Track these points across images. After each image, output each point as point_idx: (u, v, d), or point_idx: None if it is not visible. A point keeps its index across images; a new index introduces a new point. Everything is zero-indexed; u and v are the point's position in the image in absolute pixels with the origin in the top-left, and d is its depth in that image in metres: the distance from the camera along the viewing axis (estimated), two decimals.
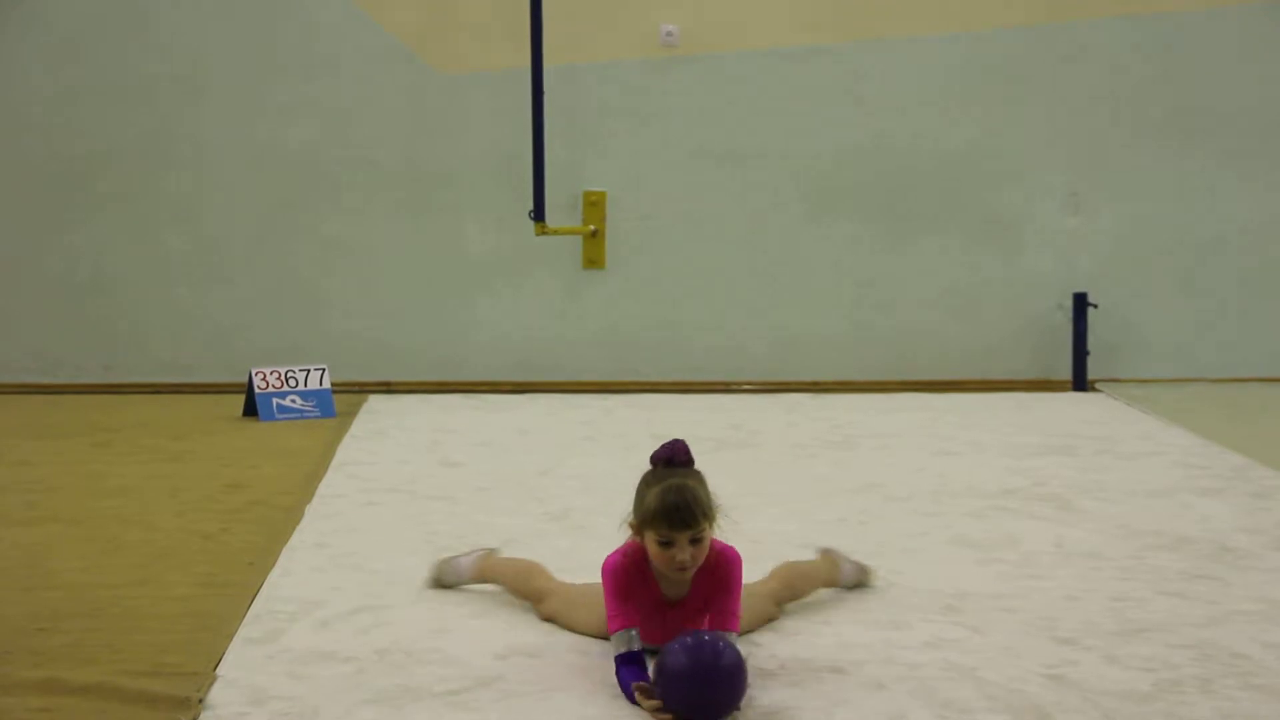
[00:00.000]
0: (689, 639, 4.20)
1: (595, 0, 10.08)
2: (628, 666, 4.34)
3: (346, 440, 8.37)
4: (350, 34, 10.06)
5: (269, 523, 6.43)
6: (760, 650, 4.72)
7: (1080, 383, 10.15)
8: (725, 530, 4.49)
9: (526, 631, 4.92)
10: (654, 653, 4.35)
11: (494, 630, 4.93)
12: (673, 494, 4.32)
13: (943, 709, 4.24)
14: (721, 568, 4.45)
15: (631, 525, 4.46)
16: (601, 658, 4.64)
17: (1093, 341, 10.17)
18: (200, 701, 4.31)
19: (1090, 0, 10.14)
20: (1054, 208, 10.25)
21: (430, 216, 10.18)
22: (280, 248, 10.17)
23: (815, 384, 10.24)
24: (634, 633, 4.37)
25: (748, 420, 8.96)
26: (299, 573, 5.63)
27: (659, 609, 4.49)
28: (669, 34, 10.11)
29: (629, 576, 4.44)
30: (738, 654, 4.19)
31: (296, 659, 4.66)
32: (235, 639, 4.85)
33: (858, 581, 5.38)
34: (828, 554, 5.40)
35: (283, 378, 9.10)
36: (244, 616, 5.09)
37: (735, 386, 10.20)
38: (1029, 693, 4.37)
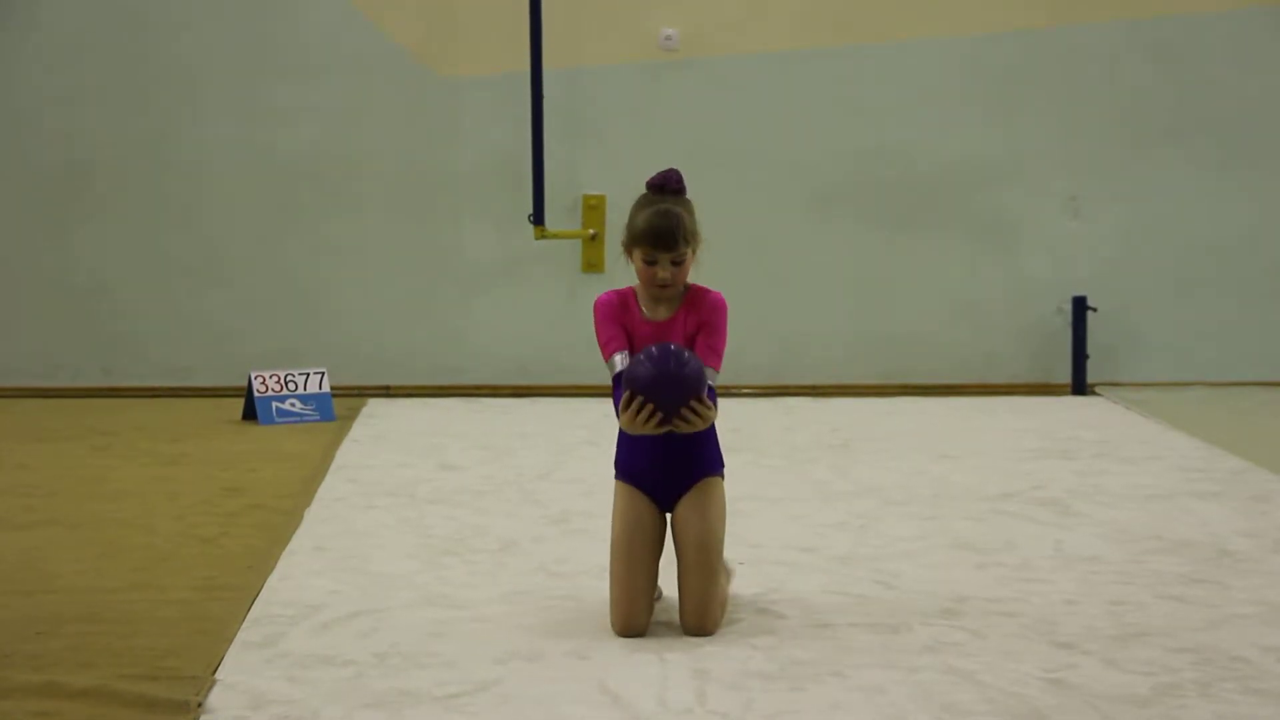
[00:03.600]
0: (654, 349, 4.75)
1: (595, 4, 10.08)
2: (619, 387, 4.83)
3: (346, 444, 8.37)
4: (350, 37, 10.07)
5: (268, 526, 6.43)
6: (759, 653, 4.72)
7: (1079, 386, 10.15)
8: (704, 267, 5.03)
9: (525, 636, 4.92)
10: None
11: (493, 634, 4.93)
12: (659, 217, 4.84)
13: (942, 712, 4.25)
14: (708, 307, 4.95)
15: (623, 244, 4.95)
16: (602, 662, 4.65)
17: (1092, 345, 10.17)
18: (199, 705, 4.31)
19: (1091, 4, 10.15)
20: (1054, 211, 10.25)
21: (429, 220, 10.18)
22: (279, 251, 10.17)
23: (815, 388, 10.25)
24: (625, 354, 4.87)
25: (747, 423, 8.96)
26: (298, 576, 5.63)
27: (644, 329, 4.93)
28: (668, 38, 10.11)
29: (614, 306, 4.92)
30: (699, 362, 4.77)
31: (295, 663, 4.67)
32: (234, 643, 4.85)
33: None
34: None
35: (282, 381, 9.10)
36: (243, 620, 5.08)
37: (735, 390, 10.19)
38: (1028, 696, 4.37)
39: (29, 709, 4.25)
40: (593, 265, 10.14)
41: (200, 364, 10.16)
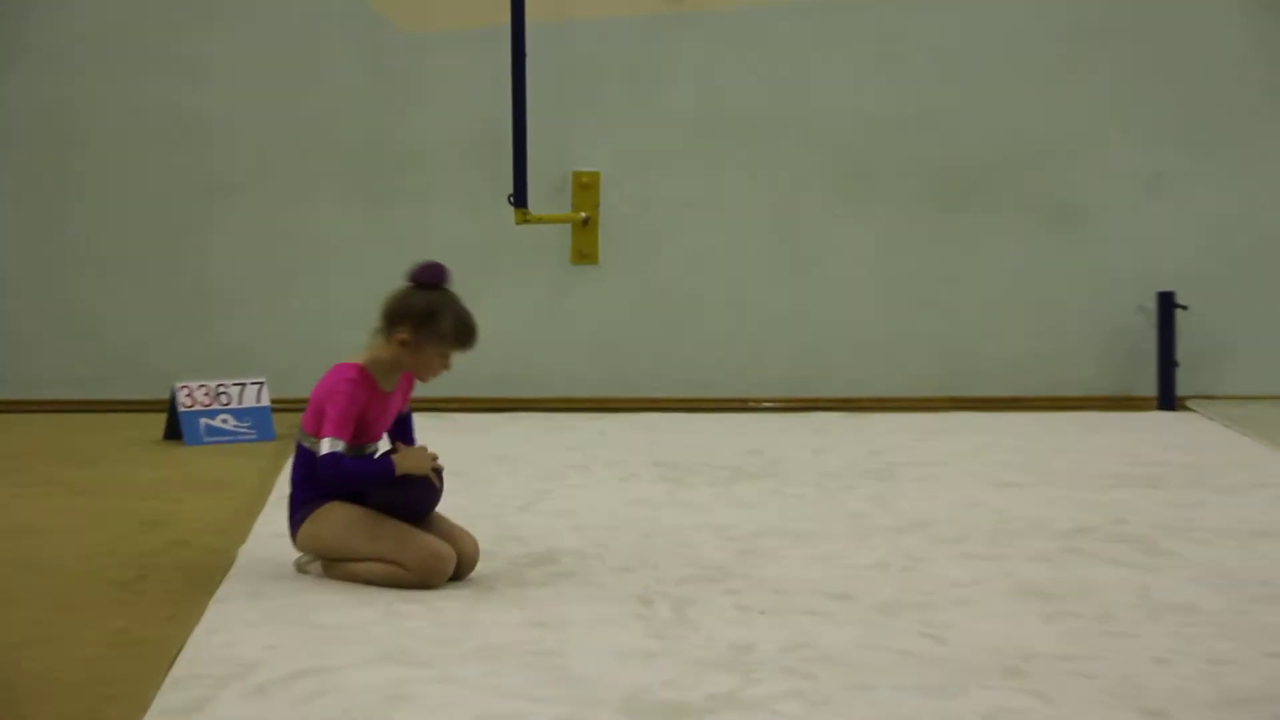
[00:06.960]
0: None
1: None
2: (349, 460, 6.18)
3: (288, 468, 8.33)
4: None
5: (194, 568, 6.41)
6: None
7: (1168, 400, 10.15)
8: None
9: (503, 700, 4.88)
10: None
11: (464, 699, 4.89)
12: (467, 324, 6.25)
13: None
14: (409, 385, 6.41)
15: (403, 338, 6.20)
16: None
17: (1182, 351, 10.17)
18: None
19: None
20: (1133, 192, 10.26)
21: (392, 202, 10.19)
22: (210, 239, 10.17)
23: (849, 401, 10.24)
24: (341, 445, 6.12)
25: (768, 444, 8.95)
26: (230, 629, 5.60)
27: (383, 399, 6.28)
28: None
29: (363, 390, 6.16)
30: None
31: None
32: (151, 710, 4.81)
33: None
34: None
35: (212, 394, 9.10)
36: (162, 682, 5.04)
37: (753, 404, 10.19)
38: None
39: None
40: (585, 255, 10.12)
41: (113, 374, 10.15)
